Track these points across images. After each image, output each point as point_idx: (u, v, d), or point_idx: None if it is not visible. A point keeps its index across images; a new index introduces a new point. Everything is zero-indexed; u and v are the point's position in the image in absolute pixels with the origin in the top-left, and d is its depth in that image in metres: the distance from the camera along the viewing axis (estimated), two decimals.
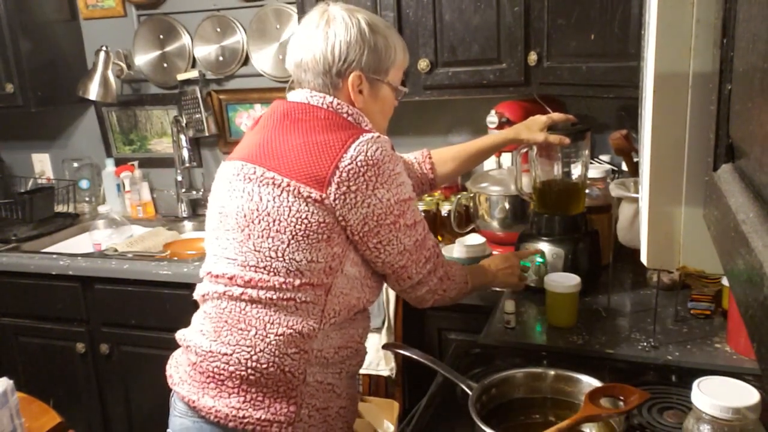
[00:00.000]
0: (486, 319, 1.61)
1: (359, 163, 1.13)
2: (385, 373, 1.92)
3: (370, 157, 1.14)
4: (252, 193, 1.17)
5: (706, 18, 0.64)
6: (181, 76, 2.65)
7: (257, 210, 1.16)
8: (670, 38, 0.66)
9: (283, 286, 1.15)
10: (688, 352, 1.37)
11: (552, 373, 1.16)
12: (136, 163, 2.87)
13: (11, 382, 1.44)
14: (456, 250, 1.86)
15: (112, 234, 2.51)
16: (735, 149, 0.51)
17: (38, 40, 2.63)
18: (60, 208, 2.84)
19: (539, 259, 1.62)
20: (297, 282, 1.15)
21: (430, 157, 1.60)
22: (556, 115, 1.61)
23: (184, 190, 2.76)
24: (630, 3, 1.57)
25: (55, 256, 2.34)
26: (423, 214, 2.16)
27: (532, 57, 1.90)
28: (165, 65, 2.72)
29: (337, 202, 1.13)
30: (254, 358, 1.16)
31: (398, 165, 1.19)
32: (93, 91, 2.65)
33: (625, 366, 1.34)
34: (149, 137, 2.88)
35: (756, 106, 0.41)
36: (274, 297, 1.16)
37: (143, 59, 2.73)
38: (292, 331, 1.16)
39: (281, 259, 1.15)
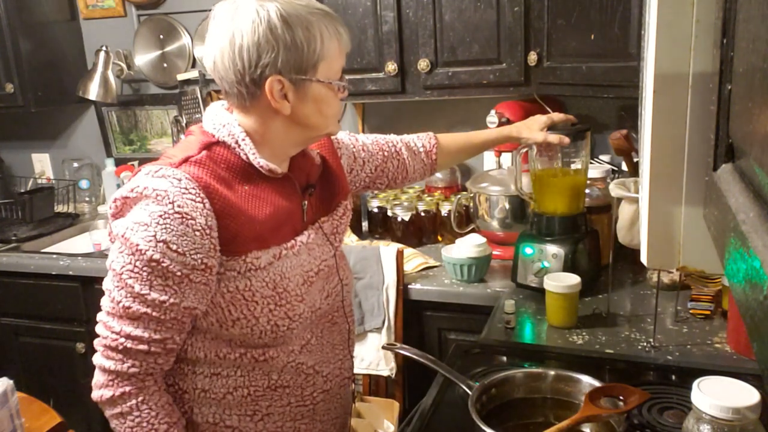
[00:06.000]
0: (486, 319, 1.61)
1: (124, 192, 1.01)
2: (385, 373, 1.92)
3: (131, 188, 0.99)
4: None
5: (706, 18, 0.64)
6: (181, 76, 2.64)
7: None
8: (670, 38, 0.66)
9: None
10: (688, 352, 1.37)
11: (552, 373, 1.16)
12: (136, 163, 2.87)
13: (11, 382, 1.44)
14: (456, 250, 1.86)
15: None
16: (735, 149, 0.51)
17: (38, 40, 2.63)
18: (60, 208, 2.84)
19: (546, 263, 1.63)
20: None
21: (436, 147, 1.55)
22: (556, 115, 1.61)
23: None
24: (630, 3, 1.57)
25: (55, 256, 2.34)
26: (423, 213, 2.18)
27: (532, 57, 1.90)
28: (165, 65, 2.72)
29: None
30: None
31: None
32: (93, 91, 2.66)
33: (625, 366, 1.34)
34: (149, 137, 2.88)
35: (756, 106, 0.41)
36: None
37: (143, 59, 2.73)
38: None
39: None
